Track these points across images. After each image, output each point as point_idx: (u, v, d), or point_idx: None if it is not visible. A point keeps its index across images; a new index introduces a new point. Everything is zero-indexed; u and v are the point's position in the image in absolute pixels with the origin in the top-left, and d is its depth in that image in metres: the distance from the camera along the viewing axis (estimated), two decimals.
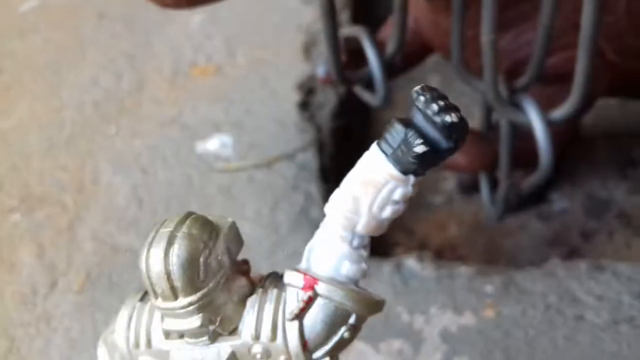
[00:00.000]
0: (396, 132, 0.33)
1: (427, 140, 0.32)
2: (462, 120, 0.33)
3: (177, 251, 0.33)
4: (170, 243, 0.34)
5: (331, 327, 0.35)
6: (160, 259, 0.33)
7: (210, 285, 0.34)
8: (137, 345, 0.38)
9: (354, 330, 0.35)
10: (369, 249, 0.36)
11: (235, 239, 0.36)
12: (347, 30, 0.78)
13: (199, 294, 0.34)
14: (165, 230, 0.34)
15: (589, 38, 0.54)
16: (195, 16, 1.11)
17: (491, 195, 0.80)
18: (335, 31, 0.64)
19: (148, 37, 1.11)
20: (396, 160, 0.33)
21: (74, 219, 0.85)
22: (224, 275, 0.35)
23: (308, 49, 1.04)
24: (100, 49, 1.11)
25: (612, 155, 0.96)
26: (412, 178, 0.33)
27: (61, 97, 1.03)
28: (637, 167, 0.95)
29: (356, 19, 1.05)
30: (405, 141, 0.33)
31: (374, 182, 0.33)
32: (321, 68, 0.78)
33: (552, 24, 0.59)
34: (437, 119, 0.32)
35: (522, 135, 0.68)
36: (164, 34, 1.11)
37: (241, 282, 0.36)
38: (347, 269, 0.35)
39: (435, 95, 0.32)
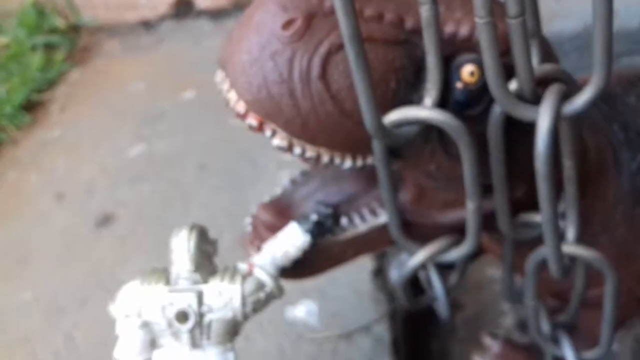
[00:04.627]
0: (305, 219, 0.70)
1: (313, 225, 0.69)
2: (324, 225, 0.70)
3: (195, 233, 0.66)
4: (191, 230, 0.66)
5: (255, 289, 0.65)
6: (185, 234, 0.66)
7: (201, 256, 0.65)
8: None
9: (266, 296, 0.66)
10: (277, 275, 0.68)
11: (213, 245, 0.68)
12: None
13: (197, 258, 0.65)
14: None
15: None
16: (283, 171, 1.28)
17: None
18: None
19: (243, 193, 1.26)
20: (301, 226, 0.69)
21: None
22: (209, 256, 0.67)
23: None
24: (202, 203, 1.28)
25: None
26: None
27: None
28: None
29: None
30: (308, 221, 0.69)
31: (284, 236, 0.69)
32: (394, 272, 0.92)
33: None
34: (314, 218, 0.70)
35: None
36: (256, 189, 1.25)
37: (213, 265, 0.67)
38: (261, 273, 0.66)
39: (329, 212, 0.70)
